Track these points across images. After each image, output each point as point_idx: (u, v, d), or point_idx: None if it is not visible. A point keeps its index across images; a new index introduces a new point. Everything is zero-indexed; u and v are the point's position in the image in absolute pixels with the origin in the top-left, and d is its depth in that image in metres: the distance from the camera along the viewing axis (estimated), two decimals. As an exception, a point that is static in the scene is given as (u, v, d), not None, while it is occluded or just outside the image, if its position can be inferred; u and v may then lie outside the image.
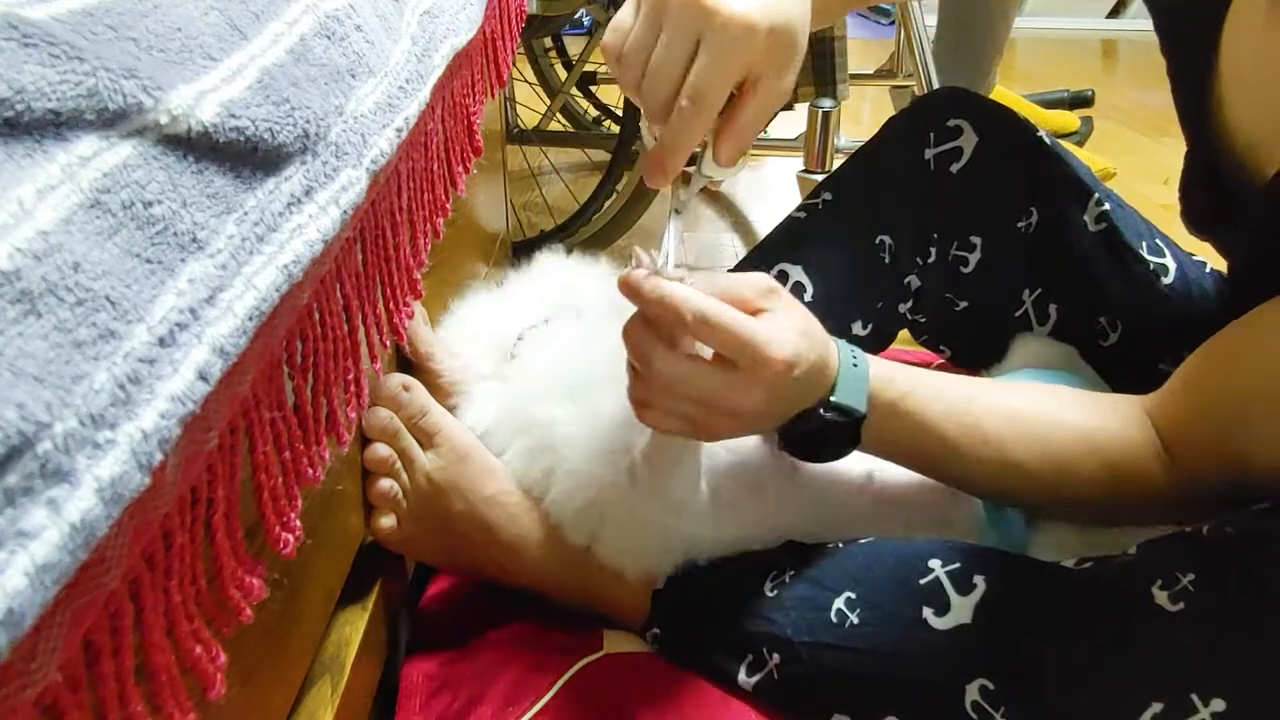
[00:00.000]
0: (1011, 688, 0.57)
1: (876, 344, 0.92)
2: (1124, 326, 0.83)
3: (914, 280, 0.88)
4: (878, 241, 0.87)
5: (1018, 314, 0.87)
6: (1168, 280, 0.83)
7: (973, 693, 0.58)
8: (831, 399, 0.61)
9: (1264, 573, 0.54)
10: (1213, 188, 0.75)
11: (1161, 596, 0.54)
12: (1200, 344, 0.81)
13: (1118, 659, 0.55)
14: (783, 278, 0.87)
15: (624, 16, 0.55)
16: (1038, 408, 0.67)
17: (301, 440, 0.46)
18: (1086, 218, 0.83)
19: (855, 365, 0.62)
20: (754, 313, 0.58)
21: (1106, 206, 0.84)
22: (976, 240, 0.85)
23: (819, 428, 0.62)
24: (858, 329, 0.89)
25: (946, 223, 0.86)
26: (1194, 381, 0.64)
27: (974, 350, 0.92)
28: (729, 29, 0.50)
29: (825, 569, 0.67)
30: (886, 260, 0.87)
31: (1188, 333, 0.82)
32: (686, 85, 0.52)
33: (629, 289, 0.56)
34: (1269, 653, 0.52)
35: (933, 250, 0.87)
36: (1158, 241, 0.84)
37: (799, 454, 0.66)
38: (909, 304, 0.90)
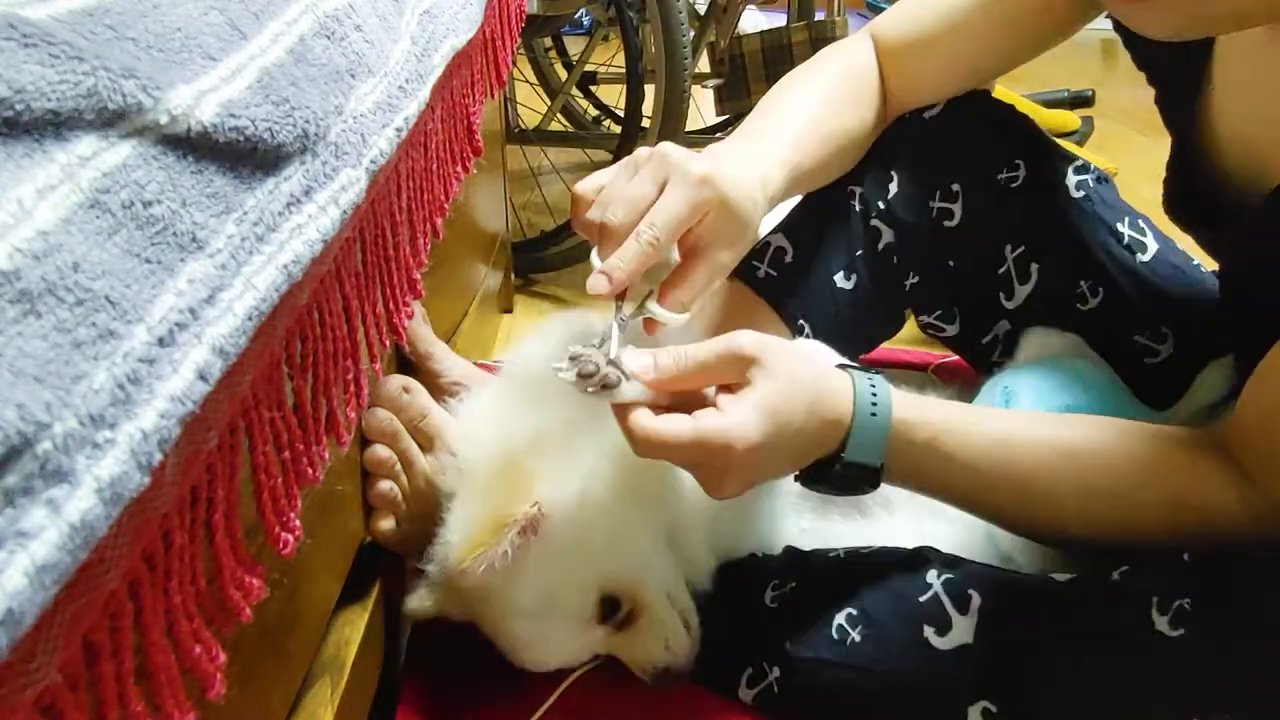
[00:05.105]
0: (1013, 711, 0.57)
1: (865, 293, 0.88)
2: (1104, 293, 0.83)
3: (880, 224, 0.86)
4: (848, 190, 0.86)
5: (1000, 272, 0.85)
6: (1145, 257, 0.83)
7: (974, 715, 0.58)
8: (843, 456, 0.60)
9: (1261, 596, 0.54)
10: (1206, 196, 0.75)
11: (1161, 621, 0.54)
12: (1180, 324, 0.81)
13: (1119, 684, 0.55)
14: (765, 247, 0.87)
15: (599, 173, 0.66)
16: (1092, 442, 0.63)
17: (301, 440, 0.46)
18: (1069, 182, 0.83)
19: (874, 415, 0.60)
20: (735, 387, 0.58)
21: (1088, 175, 0.84)
22: (957, 188, 0.84)
23: (836, 475, 0.61)
24: (841, 280, 0.87)
25: (922, 168, 0.85)
26: (1252, 398, 0.61)
27: (965, 324, 0.90)
28: (691, 176, 0.62)
29: (825, 580, 0.67)
30: (858, 207, 0.86)
31: (1167, 310, 0.82)
32: (649, 213, 0.61)
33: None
34: (1269, 676, 0.52)
35: (894, 181, 0.85)
36: (1140, 223, 0.85)
37: (819, 491, 0.65)
38: (885, 241, 0.87)
